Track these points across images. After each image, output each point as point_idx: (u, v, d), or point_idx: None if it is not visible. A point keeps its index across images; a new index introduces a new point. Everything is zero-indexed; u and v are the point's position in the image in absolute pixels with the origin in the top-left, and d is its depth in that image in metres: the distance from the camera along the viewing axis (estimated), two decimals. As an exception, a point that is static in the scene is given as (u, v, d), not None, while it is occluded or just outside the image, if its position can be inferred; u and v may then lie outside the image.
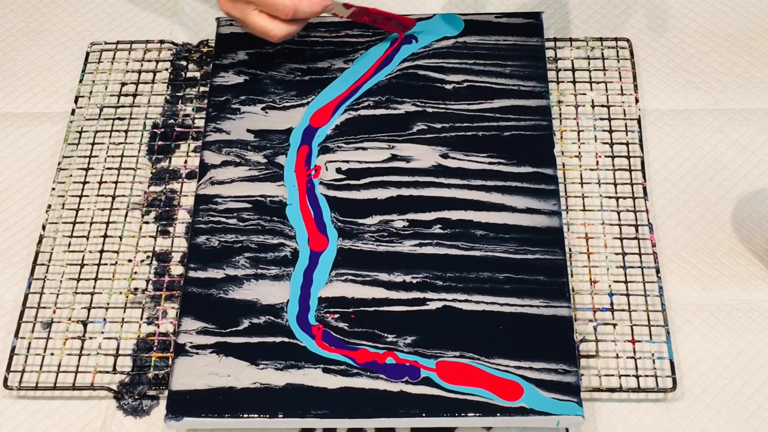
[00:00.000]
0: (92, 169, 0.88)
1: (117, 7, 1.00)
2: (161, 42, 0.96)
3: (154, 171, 0.88)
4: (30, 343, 0.79)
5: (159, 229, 0.85)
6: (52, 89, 0.95)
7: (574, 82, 0.91)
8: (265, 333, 0.76)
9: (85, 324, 0.80)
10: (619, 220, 0.83)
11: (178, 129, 0.90)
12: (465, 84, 0.88)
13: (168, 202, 0.86)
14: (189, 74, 0.94)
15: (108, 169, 0.88)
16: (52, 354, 0.79)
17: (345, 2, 0.86)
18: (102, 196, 0.87)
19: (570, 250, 0.81)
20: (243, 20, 0.82)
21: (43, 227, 0.85)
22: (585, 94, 0.90)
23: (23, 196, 0.88)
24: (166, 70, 0.94)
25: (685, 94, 0.91)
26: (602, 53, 0.93)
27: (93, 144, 0.90)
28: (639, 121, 0.88)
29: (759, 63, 0.93)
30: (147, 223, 0.85)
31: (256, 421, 0.73)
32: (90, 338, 0.79)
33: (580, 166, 0.86)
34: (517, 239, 0.79)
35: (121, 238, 0.84)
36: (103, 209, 0.86)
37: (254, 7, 0.81)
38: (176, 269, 0.82)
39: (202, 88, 0.92)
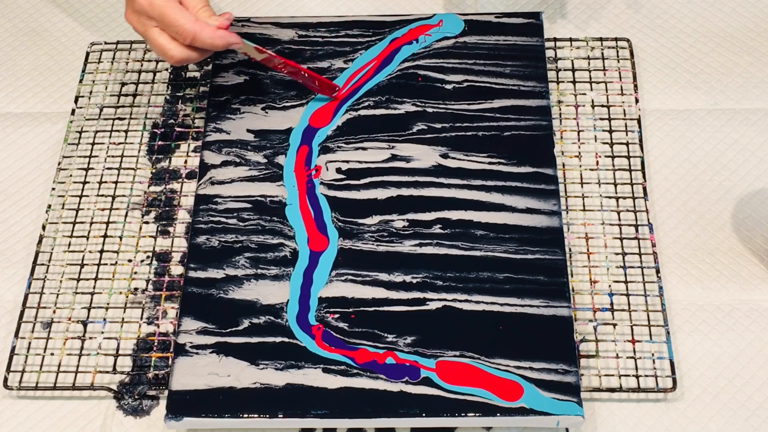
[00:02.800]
0: (92, 169, 0.88)
1: (117, 7, 1.00)
2: (161, 42, 0.95)
3: (154, 171, 0.88)
4: (30, 343, 0.79)
5: (159, 229, 0.85)
6: (52, 89, 0.95)
7: (574, 82, 0.91)
8: (265, 333, 0.76)
9: (85, 324, 0.80)
10: (619, 220, 0.83)
11: (178, 129, 0.90)
12: (465, 84, 0.88)
13: (168, 202, 0.86)
14: (189, 74, 0.94)
15: (108, 169, 0.88)
16: (52, 354, 0.79)
17: (257, 46, 0.84)
18: (102, 196, 0.87)
19: (570, 250, 0.81)
20: (144, 35, 0.81)
21: (43, 227, 0.85)
22: (585, 94, 0.90)
23: (23, 196, 0.88)
24: (166, 70, 0.94)
25: (685, 94, 0.91)
26: (602, 53, 0.93)
27: (93, 144, 0.90)
28: (639, 121, 0.88)
29: (759, 63, 0.93)
30: (147, 223, 0.85)
31: (256, 421, 0.73)
32: (90, 338, 0.79)
33: (580, 166, 0.86)
34: (517, 239, 0.79)
35: (121, 238, 0.84)
36: (103, 209, 0.86)
37: (156, 24, 0.80)
38: (176, 269, 0.82)
39: (202, 88, 0.92)
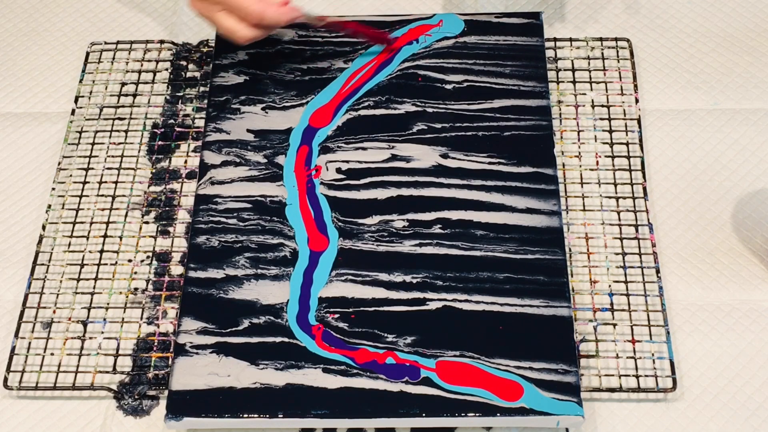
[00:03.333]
0: (92, 169, 0.88)
1: (117, 7, 1.00)
2: (161, 42, 0.96)
3: (154, 171, 0.88)
4: (30, 343, 0.79)
5: (159, 229, 0.85)
6: (52, 89, 0.95)
7: (574, 82, 0.91)
8: (265, 333, 0.76)
9: (85, 324, 0.80)
10: (619, 220, 0.83)
11: (178, 129, 0.90)
12: (465, 84, 0.88)
13: (168, 202, 0.86)
14: (189, 74, 0.94)
15: (108, 169, 0.88)
16: (52, 354, 0.79)
17: (318, 16, 0.86)
18: (102, 196, 0.87)
19: (570, 250, 0.81)
20: (211, 19, 0.83)
21: (43, 227, 0.85)
22: (585, 94, 0.90)
23: (23, 196, 0.88)
24: (166, 70, 0.94)
25: (685, 94, 0.91)
26: (602, 53, 0.93)
27: (93, 144, 0.90)
28: (639, 121, 0.88)
29: (759, 63, 0.93)
30: (147, 223, 0.85)
31: (256, 421, 0.73)
32: (90, 338, 0.79)
33: (580, 166, 0.86)
34: (517, 239, 0.79)
35: (121, 238, 0.84)
36: (103, 209, 0.86)
37: (221, 8, 0.82)
38: (176, 269, 0.82)
39: (202, 88, 0.92)
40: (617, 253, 0.81)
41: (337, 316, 0.77)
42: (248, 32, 0.83)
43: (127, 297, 0.81)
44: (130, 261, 0.83)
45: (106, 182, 0.87)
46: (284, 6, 0.82)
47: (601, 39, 0.93)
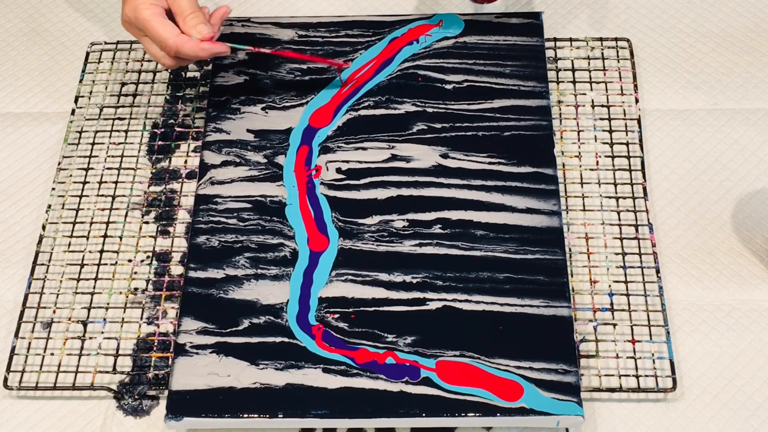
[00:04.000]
0: (92, 169, 0.88)
1: (117, 7, 1.00)
2: (161, 42, 0.96)
3: (154, 171, 0.88)
4: (30, 343, 0.79)
5: (159, 229, 0.85)
6: (52, 89, 0.95)
7: (574, 82, 0.91)
8: (265, 333, 0.76)
9: (85, 324, 0.80)
10: (619, 220, 0.83)
11: (178, 129, 0.90)
12: (465, 84, 0.88)
13: (168, 202, 0.86)
14: (189, 74, 0.94)
15: (108, 169, 0.88)
16: (52, 354, 0.79)
17: (249, 49, 0.87)
18: (102, 196, 0.87)
19: (570, 250, 0.81)
20: (140, 41, 0.85)
21: (43, 227, 0.85)
22: (585, 94, 0.90)
23: (23, 196, 0.88)
24: (166, 70, 0.94)
25: (685, 94, 0.91)
26: (602, 53, 0.93)
27: (93, 144, 0.90)
28: (639, 121, 0.88)
29: (759, 63, 0.93)
30: (147, 223, 0.85)
31: (256, 421, 0.73)
32: (90, 338, 0.79)
33: (580, 166, 0.86)
34: (517, 239, 0.79)
35: (121, 238, 0.84)
36: (103, 209, 0.86)
37: (145, 34, 0.83)
38: (176, 269, 0.82)
39: (202, 88, 0.92)
40: (617, 253, 0.81)
41: (337, 316, 0.77)
42: (170, 61, 0.84)
43: (127, 297, 0.81)
44: (130, 261, 0.83)
45: (106, 182, 0.87)
46: (205, 41, 0.82)
47: (601, 39, 0.93)
